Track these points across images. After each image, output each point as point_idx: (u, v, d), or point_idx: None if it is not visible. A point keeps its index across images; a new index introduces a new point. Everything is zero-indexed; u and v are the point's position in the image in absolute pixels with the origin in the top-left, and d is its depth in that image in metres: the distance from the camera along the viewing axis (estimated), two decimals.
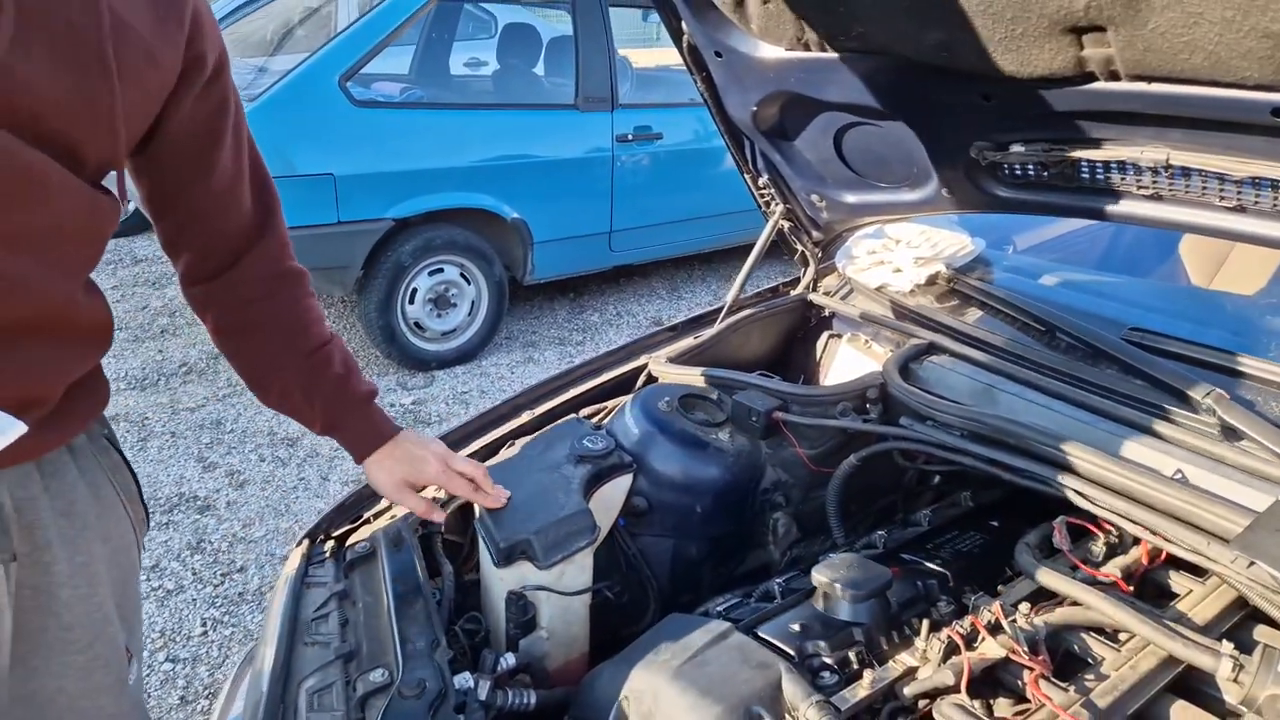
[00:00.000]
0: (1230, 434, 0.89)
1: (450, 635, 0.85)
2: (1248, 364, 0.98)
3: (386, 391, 3.10)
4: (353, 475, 2.55)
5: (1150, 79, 0.76)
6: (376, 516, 1.04)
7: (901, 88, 1.00)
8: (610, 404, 1.22)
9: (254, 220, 0.81)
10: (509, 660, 0.83)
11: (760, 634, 0.76)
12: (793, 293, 1.51)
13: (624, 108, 3.47)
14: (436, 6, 3.10)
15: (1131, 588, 0.81)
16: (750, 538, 1.09)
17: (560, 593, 0.86)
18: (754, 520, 1.09)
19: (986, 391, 1.11)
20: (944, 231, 1.44)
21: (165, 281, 3.97)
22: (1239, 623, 0.75)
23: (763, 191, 1.43)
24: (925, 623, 0.74)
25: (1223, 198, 0.86)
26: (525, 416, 1.18)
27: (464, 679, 0.75)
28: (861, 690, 0.69)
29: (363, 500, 1.07)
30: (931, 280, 1.34)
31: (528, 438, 1.08)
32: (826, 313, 1.44)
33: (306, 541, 0.99)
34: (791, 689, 0.67)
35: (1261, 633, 0.74)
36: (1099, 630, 0.75)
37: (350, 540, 1.00)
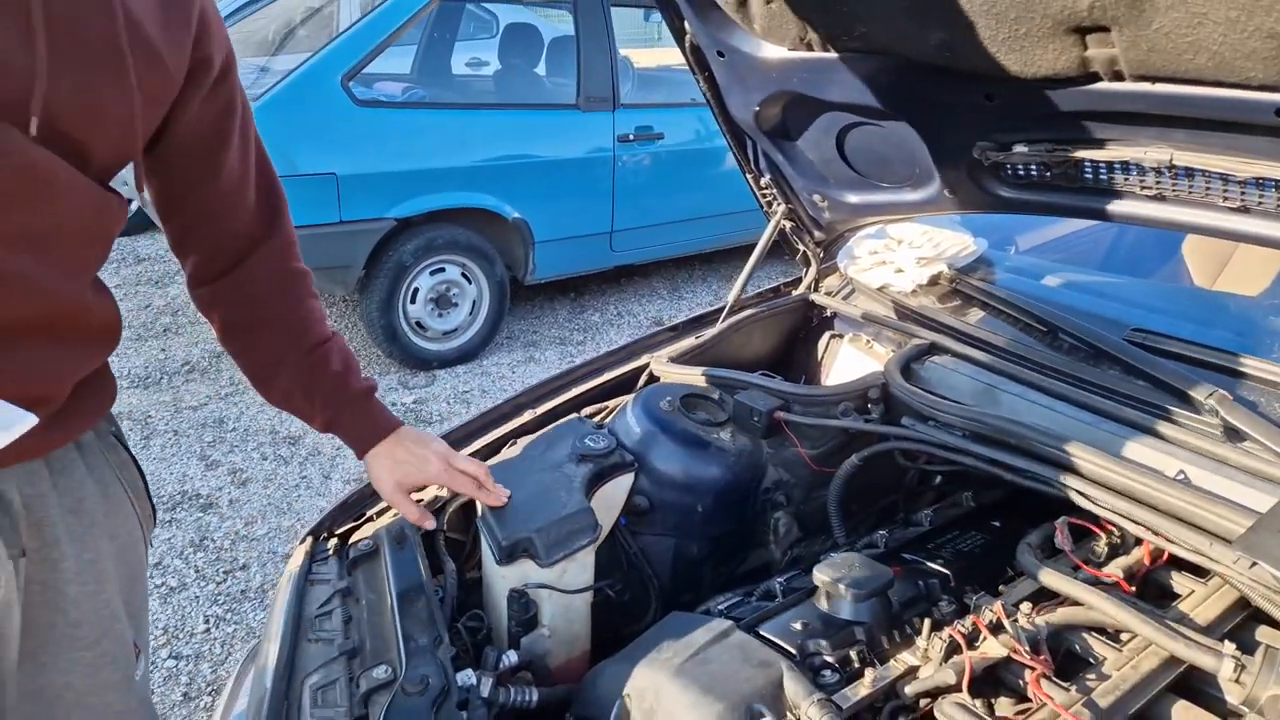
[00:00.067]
0: (1233, 435, 0.89)
1: (453, 632, 0.85)
2: (1251, 365, 0.98)
3: (388, 390, 3.10)
4: (354, 474, 2.55)
5: (1154, 79, 0.76)
6: (379, 514, 1.04)
7: (904, 88, 1.00)
8: (612, 403, 1.23)
9: (261, 220, 0.81)
10: (511, 658, 0.83)
11: (762, 632, 0.76)
12: (794, 293, 1.51)
13: (625, 108, 3.47)
14: (438, 6, 3.10)
15: (1133, 588, 0.81)
16: (751, 537, 1.10)
17: (562, 591, 0.86)
18: (755, 520, 1.09)
19: (988, 392, 1.11)
20: (946, 232, 1.44)
21: (168, 280, 3.98)
22: (1241, 623, 0.75)
23: (765, 191, 1.44)
24: (927, 622, 0.74)
25: (1226, 198, 0.86)
26: (527, 415, 1.19)
27: (466, 676, 0.75)
28: (863, 689, 0.69)
29: (365, 498, 1.07)
30: (933, 280, 1.34)
31: (529, 437, 1.08)
32: (828, 313, 1.44)
33: (310, 539, 0.99)
34: (793, 687, 0.67)
35: (1263, 633, 0.74)
36: (1101, 630, 0.75)
37: (353, 538, 1.00)
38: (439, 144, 3.05)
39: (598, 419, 1.18)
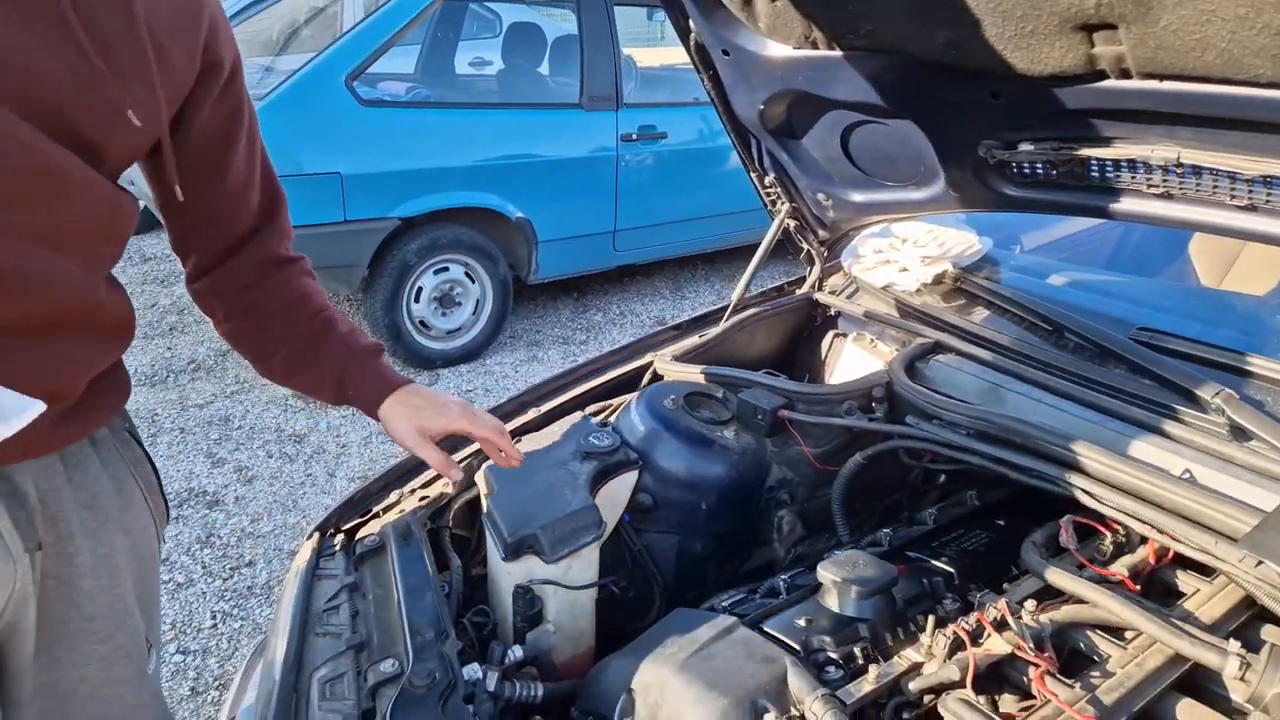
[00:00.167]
0: (1239, 434, 0.89)
1: (459, 628, 0.86)
2: (1257, 364, 0.98)
3: None
4: (359, 471, 2.56)
5: (1161, 77, 0.75)
6: (385, 511, 1.05)
7: (909, 86, 1.00)
8: (616, 402, 1.23)
9: (258, 219, 0.82)
10: (516, 653, 0.83)
11: (766, 629, 0.77)
12: (798, 292, 1.51)
13: (629, 107, 3.47)
14: (442, 6, 3.11)
15: (1138, 586, 0.81)
16: (755, 535, 1.10)
17: (567, 587, 0.87)
18: (759, 518, 1.09)
19: (993, 390, 1.11)
20: (951, 230, 1.44)
21: (174, 279, 4.00)
22: (1246, 622, 0.75)
23: (769, 190, 1.44)
24: (931, 619, 0.74)
25: (1234, 196, 0.86)
26: (531, 413, 1.19)
27: (473, 670, 0.75)
28: (867, 685, 0.69)
29: (371, 495, 1.08)
30: (938, 279, 1.34)
31: (534, 434, 1.09)
32: (832, 312, 1.44)
33: (317, 535, 1.00)
34: (797, 683, 0.67)
35: (1269, 632, 0.74)
36: (1105, 628, 0.75)
37: (360, 534, 1.01)
38: (443, 143, 3.05)
39: (602, 417, 1.18)
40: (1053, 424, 0.97)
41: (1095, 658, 0.73)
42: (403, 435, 0.84)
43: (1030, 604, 0.75)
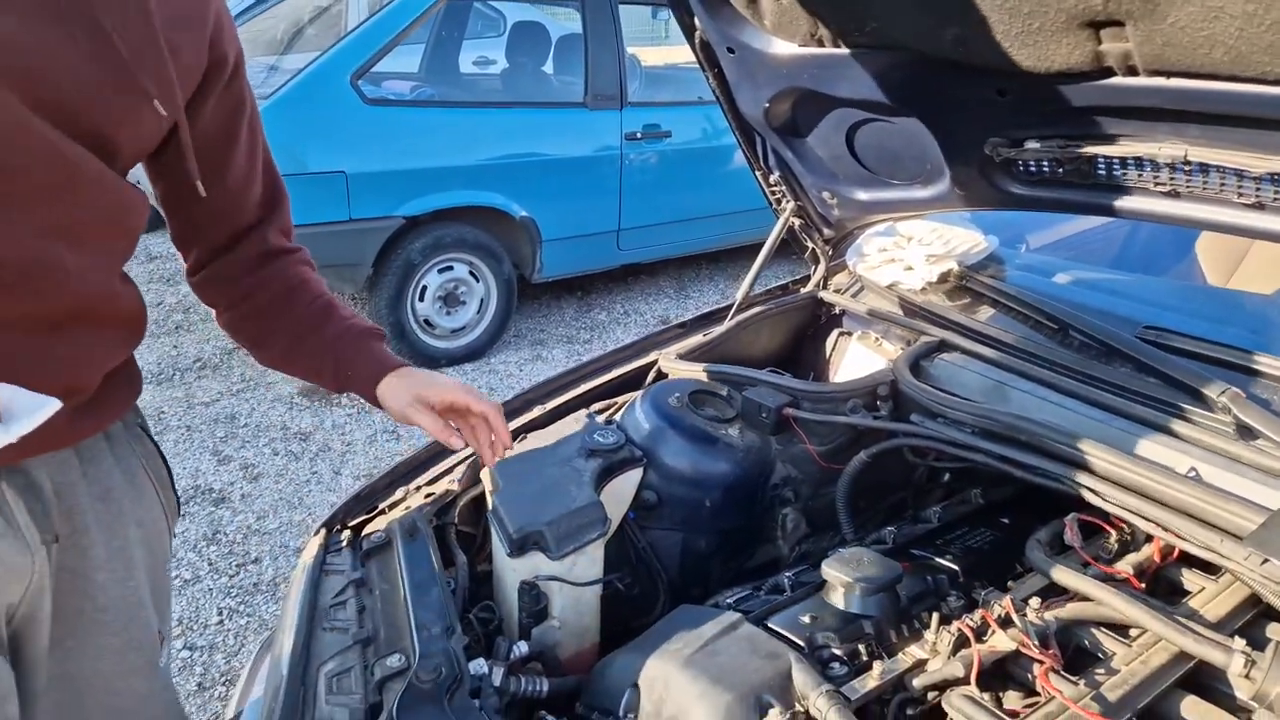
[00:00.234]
0: (1245, 432, 0.89)
1: (464, 623, 0.86)
2: (1264, 363, 0.97)
3: None
4: (364, 469, 2.57)
5: (1169, 74, 0.75)
6: (392, 507, 1.05)
7: (915, 83, 1.00)
8: (621, 400, 1.23)
9: (259, 213, 0.82)
10: (522, 648, 0.83)
11: (770, 625, 0.77)
12: (803, 290, 1.51)
13: (633, 106, 3.47)
14: (446, 5, 3.11)
15: (1144, 585, 0.81)
16: (759, 533, 1.10)
17: (572, 583, 0.87)
18: (763, 515, 1.09)
19: (998, 389, 1.11)
20: (957, 229, 1.43)
21: (179, 278, 4.01)
22: (1252, 620, 0.75)
23: (774, 189, 1.44)
24: (935, 616, 0.74)
25: (1241, 194, 0.86)
26: (536, 411, 1.19)
27: (478, 665, 0.76)
28: (871, 681, 0.69)
29: (377, 491, 1.08)
30: (943, 278, 1.34)
31: (539, 432, 1.09)
32: (837, 310, 1.44)
33: (324, 531, 1.00)
34: (801, 678, 0.67)
35: (1274, 630, 0.74)
36: (1110, 626, 0.75)
37: (366, 530, 1.01)
38: (447, 142, 3.06)
39: (607, 415, 1.18)
40: (1058, 422, 0.97)
41: (1100, 655, 0.73)
42: (401, 405, 0.82)
43: (1035, 601, 0.74)
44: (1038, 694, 0.68)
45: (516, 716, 0.78)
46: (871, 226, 1.46)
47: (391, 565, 0.92)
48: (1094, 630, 0.75)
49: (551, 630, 0.88)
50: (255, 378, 3.08)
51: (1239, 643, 0.66)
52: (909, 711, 0.70)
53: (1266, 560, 0.70)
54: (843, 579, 0.78)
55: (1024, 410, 1.02)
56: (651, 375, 1.28)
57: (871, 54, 0.98)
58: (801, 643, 0.74)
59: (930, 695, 0.70)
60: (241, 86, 0.76)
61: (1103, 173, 0.97)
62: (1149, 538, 0.85)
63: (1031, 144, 0.98)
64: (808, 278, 1.55)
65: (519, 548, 0.85)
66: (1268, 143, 0.77)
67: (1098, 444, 0.88)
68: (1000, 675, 0.71)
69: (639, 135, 3.48)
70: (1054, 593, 0.80)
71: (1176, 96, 0.77)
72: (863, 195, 1.34)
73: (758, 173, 1.43)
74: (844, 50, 1.00)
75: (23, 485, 0.64)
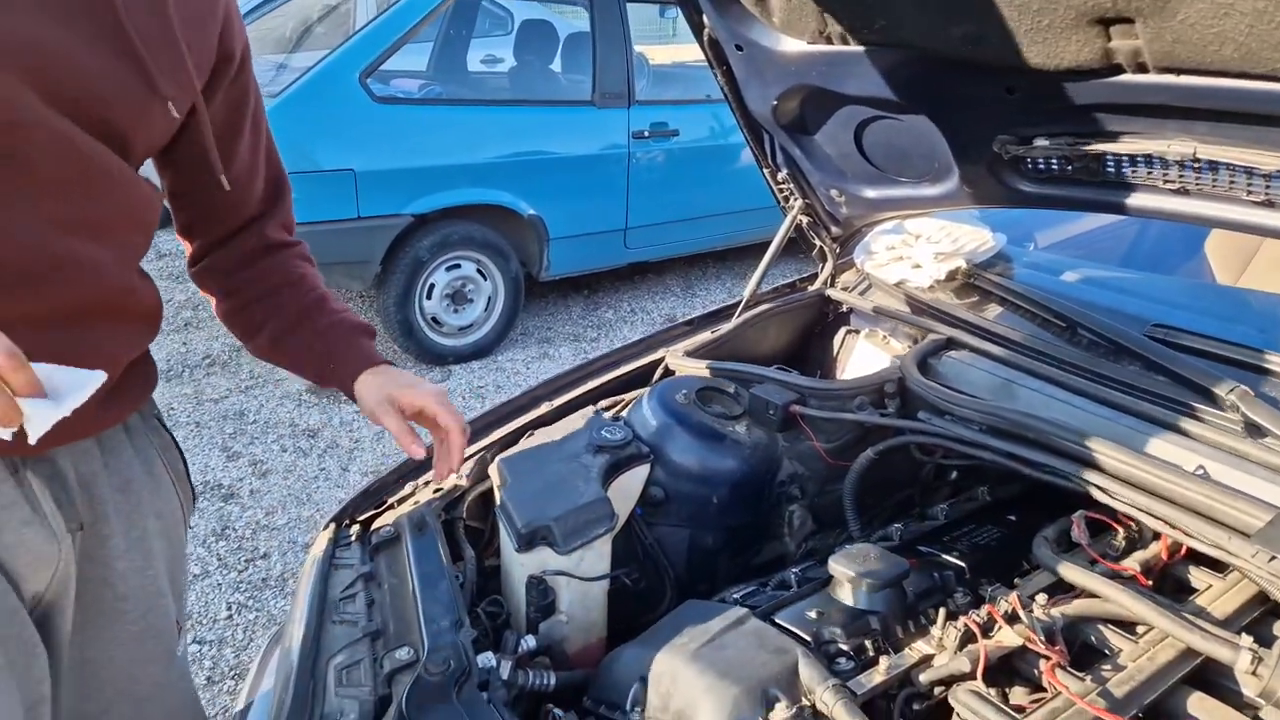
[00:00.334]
0: (1254, 430, 0.89)
1: (473, 617, 0.87)
2: (1274, 361, 0.97)
3: None
4: (372, 466, 2.59)
5: (1179, 71, 0.75)
6: (400, 502, 1.06)
7: (924, 81, 1.00)
8: (628, 396, 1.24)
9: (261, 206, 0.83)
10: (530, 642, 0.84)
11: (777, 620, 0.77)
12: (810, 288, 1.51)
13: (640, 104, 3.47)
14: (454, 3, 3.13)
15: (1150, 582, 0.81)
16: (766, 529, 1.10)
17: (579, 578, 0.87)
18: (770, 512, 1.10)
19: (1006, 387, 1.11)
20: (964, 227, 1.43)
21: (187, 276, 4.05)
22: (1259, 617, 0.75)
23: (781, 186, 1.44)
24: (941, 611, 0.75)
25: (1250, 192, 0.85)
26: (544, 407, 1.20)
27: (486, 658, 0.76)
28: (877, 676, 0.69)
29: (386, 486, 1.09)
30: (951, 276, 1.34)
31: (546, 428, 1.10)
32: (844, 308, 1.44)
33: (333, 525, 1.01)
34: (808, 673, 0.68)
35: None
36: (1117, 622, 0.75)
37: (375, 525, 1.02)
38: (455, 140, 3.07)
39: (614, 411, 1.19)
40: (1066, 420, 0.97)
41: (1106, 651, 0.73)
42: (371, 404, 0.80)
43: (1041, 598, 0.75)
44: (1044, 690, 0.68)
45: (524, 710, 0.79)
46: (879, 224, 1.46)
47: (400, 559, 0.92)
48: (1101, 627, 0.75)
49: (559, 625, 0.89)
50: (264, 375, 3.11)
51: (1246, 640, 0.66)
52: (915, 706, 0.70)
53: (1274, 557, 0.70)
54: (849, 575, 0.79)
55: (1032, 408, 1.02)
56: (659, 372, 1.29)
57: (880, 51, 0.99)
58: (808, 638, 0.75)
59: (936, 690, 0.70)
60: (247, 81, 0.76)
61: (1111, 170, 0.97)
62: (1156, 535, 0.85)
63: (1040, 141, 0.98)
64: (815, 276, 1.55)
65: (527, 543, 0.86)
66: (1277, 140, 0.77)
67: (1105, 441, 0.88)
68: (1007, 671, 0.71)
69: (646, 134, 3.48)
70: (1061, 589, 0.80)
71: (1186, 94, 0.77)
72: (870, 193, 1.34)
73: (765, 171, 1.43)
74: (852, 48, 1.00)
75: (49, 474, 0.66)
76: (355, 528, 1.02)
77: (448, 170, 3.06)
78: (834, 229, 1.48)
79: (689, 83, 4.07)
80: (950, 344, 1.21)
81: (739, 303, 1.44)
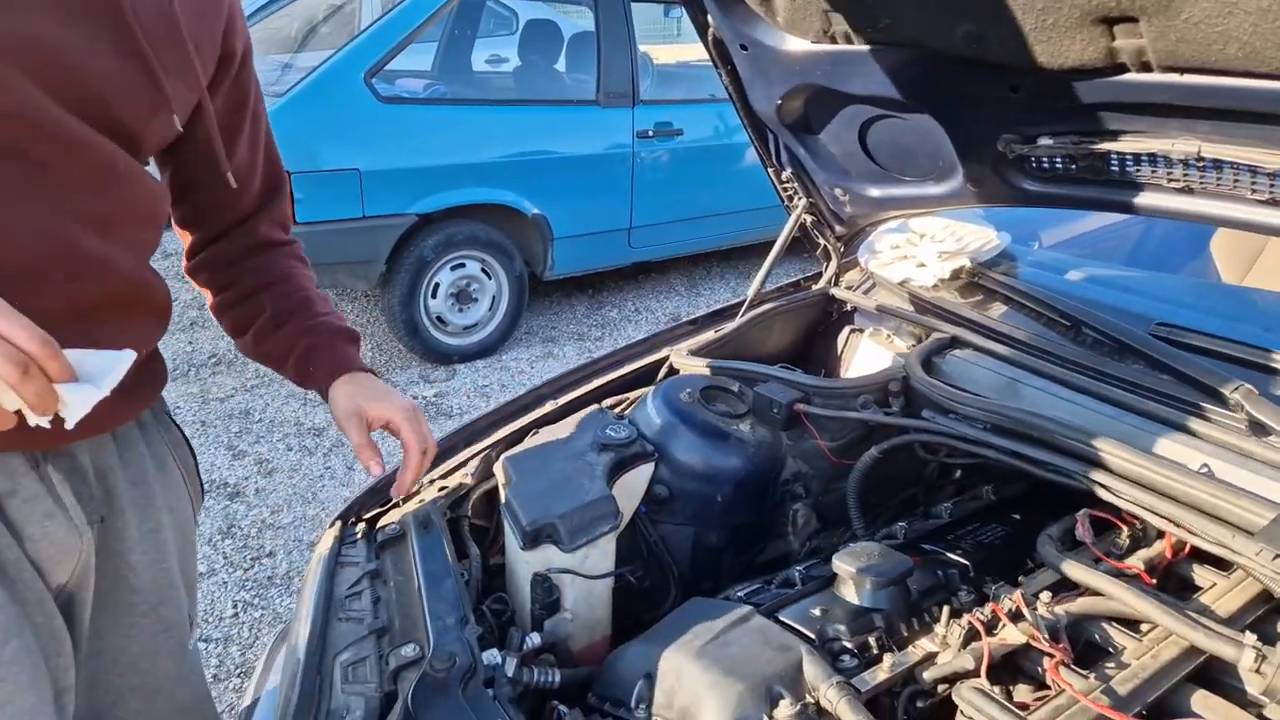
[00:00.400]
0: (1258, 429, 0.88)
1: (478, 614, 0.87)
2: (1278, 359, 0.97)
3: (409, 384, 3.15)
4: None
5: (1183, 70, 0.75)
6: (406, 500, 1.07)
7: (928, 80, 1.00)
8: (632, 395, 1.24)
9: (257, 202, 0.84)
10: (534, 639, 0.85)
11: (781, 618, 0.77)
12: (815, 287, 1.51)
13: (645, 104, 3.48)
14: (459, 3, 3.13)
15: (1155, 580, 0.81)
16: (770, 528, 1.10)
17: (584, 576, 0.88)
18: (774, 510, 1.10)
19: (1010, 385, 1.11)
20: (969, 226, 1.43)
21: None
22: (1263, 616, 0.75)
23: (786, 185, 1.44)
24: (945, 609, 0.75)
25: (1255, 191, 0.85)
26: (549, 406, 1.20)
27: (492, 655, 0.77)
28: (881, 673, 0.70)
29: (391, 484, 1.10)
30: (955, 275, 1.34)
31: (551, 426, 1.10)
32: (848, 307, 1.44)
33: (339, 523, 1.02)
34: (812, 670, 0.68)
35: None
36: (1120, 620, 0.75)
37: (381, 522, 1.03)
38: (460, 140, 3.08)
39: (618, 410, 1.19)
40: (1070, 418, 0.97)
41: (1110, 649, 0.73)
42: (341, 413, 0.81)
43: (1045, 596, 0.75)
44: (1048, 687, 0.68)
45: (529, 706, 0.79)
46: (883, 223, 1.46)
47: (406, 557, 0.93)
48: (1104, 625, 0.75)
49: (564, 622, 0.89)
50: (269, 374, 3.12)
51: (1250, 638, 0.66)
52: (919, 704, 0.70)
53: (1278, 555, 0.70)
54: (853, 573, 0.79)
55: (1036, 406, 1.02)
56: (663, 371, 1.29)
57: (884, 51, 0.99)
58: (812, 635, 0.75)
59: (940, 688, 0.70)
60: (248, 79, 0.77)
61: (1116, 169, 0.97)
62: (1160, 533, 0.85)
63: (1044, 140, 0.98)
64: (819, 275, 1.55)
65: (532, 540, 0.86)
66: None
67: (1110, 440, 0.88)
68: (1010, 668, 0.71)
69: (651, 133, 3.49)
70: (1065, 587, 0.80)
71: (1190, 93, 0.77)
72: (875, 192, 1.34)
73: (770, 170, 1.43)
74: (857, 47, 1.00)
75: (68, 468, 0.67)
76: (361, 525, 1.02)
77: (452, 170, 3.06)
78: (838, 228, 1.48)
79: (693, 82, 4.07)
80: (954, 343, 1.21)
81: (743, 302, 1.44)
